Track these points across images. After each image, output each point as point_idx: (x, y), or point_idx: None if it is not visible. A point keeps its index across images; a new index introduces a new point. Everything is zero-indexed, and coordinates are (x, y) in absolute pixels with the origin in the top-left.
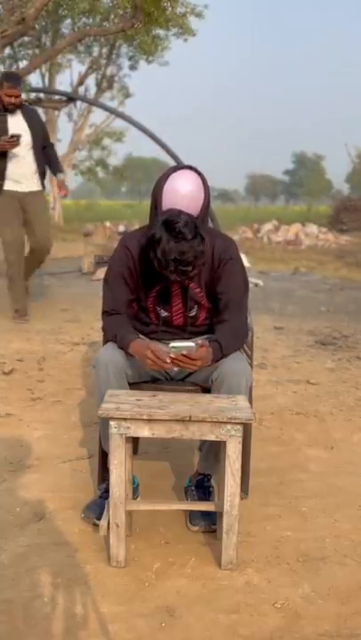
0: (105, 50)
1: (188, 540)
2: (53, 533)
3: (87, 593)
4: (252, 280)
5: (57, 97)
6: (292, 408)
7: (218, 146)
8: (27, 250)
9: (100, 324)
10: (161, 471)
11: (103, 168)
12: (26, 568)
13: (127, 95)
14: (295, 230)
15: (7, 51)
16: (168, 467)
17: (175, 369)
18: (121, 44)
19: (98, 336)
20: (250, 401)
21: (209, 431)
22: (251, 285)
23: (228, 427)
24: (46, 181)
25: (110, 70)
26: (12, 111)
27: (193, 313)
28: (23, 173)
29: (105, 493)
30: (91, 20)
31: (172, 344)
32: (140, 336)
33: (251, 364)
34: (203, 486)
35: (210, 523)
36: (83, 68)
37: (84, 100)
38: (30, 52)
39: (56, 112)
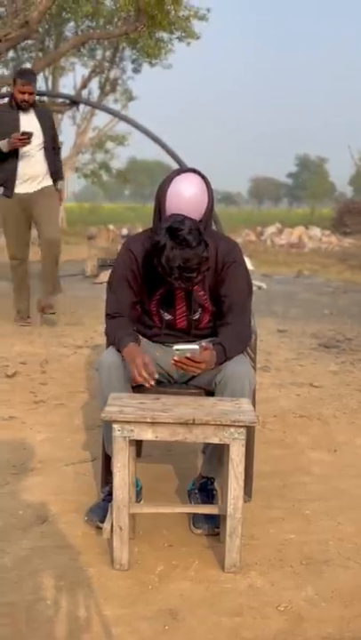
0: (108, 53)
1: (191, 543)
2: (56, 536)
3: (90, 596)
4: (255, 283)
5: (60, 100)
6: (295, 411)
7: (221, 149)
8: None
9: (103, 327)
10: (164, 474)
11: (106, 171)
12: (29, 571)
13: (130, 98)
14: (298, 233)
15: (10, 54)
16: (171, 469)
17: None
18: (124, 48)
19: (101, 339)
20: (253, 404)
21: (212, 434)
22: (254, 288)
23: (232, 430)
24: None
25: (114, 73)
26: (25, 109)
27: (196, 316)
28: (34, 174)
29: (108, 496)
30: (94, 23)
31: (176, 347)
32: (143, 339)
33: (254, 367)
34: (206, 489)
35: (213, 525)
36: (86, 72)
37: (87, 103)
38: (33, 55)
39: (59, 115)
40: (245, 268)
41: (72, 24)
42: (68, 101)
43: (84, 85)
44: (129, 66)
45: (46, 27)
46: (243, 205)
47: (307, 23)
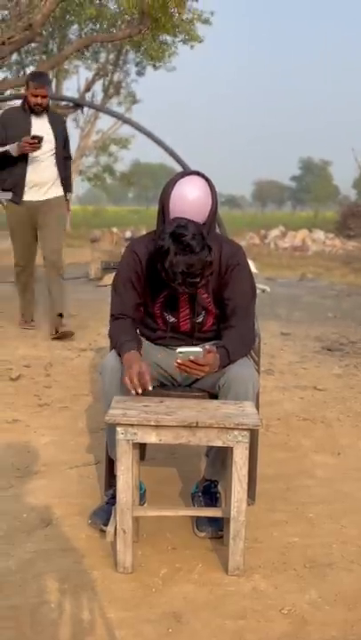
0: (112, 56)
1: (194, 546)
2: (60, 539)
3: (94, 599)
4: (259, 286)
5: (64, 103)
6: (298, 414)
7: (225, 152)
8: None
9: (106, 330)
10: (168, 477)
11: (110, 174)
12: (33, 574)
13: (134, 101)
14: (302, 236)
15: (14, 57)
16: (175, 472)
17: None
18: (128, 50)
19: (105, 342)
20: (257, 407)
21: (216, 437)
22: (258, 291)
23: (236, 433)
24: None
25: (117, 76)
26: (38, 113)
27: (200, 319)
28: (43, 180)
29: (112, 499)
30: (98, 26)
31: (180, 349)
32: (147, 342)
33: (258, 370)
34: (210, 492)
35: (217, 529)
36: (90, 74)
37: (90, 106)
38: (37, 58)
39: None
40: (249, 271)
41: (76, 27)
42: (71, 104)
43: (88, 88)
44: (133, 69)
45: (50, 29)
46: (246, 208)
47: (310, 25)
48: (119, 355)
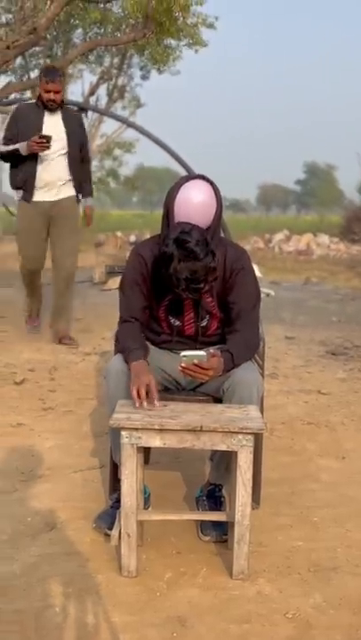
0: (116, 60)
1: (199, 550)
2: (65, 543)
3: (98, 603)
4: (263, 290)
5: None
6: (303, 418)
7: (229, 156)
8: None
9: (111, 334)
10: (172, 481)
11: (114, 178)
12: (37, 578)
13: (139, 105)
14: (307, 240)
15: (19, 61)
16: (179, 476)
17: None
18: (132, 55)
19: (109, 346)
20: (261, 411)
21: (220, 441)
22: (262, 295)
23: (240, 437)
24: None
25: (122, 80)
26: (52, 109)
27: (204, 323)
28: (52, 179)
29: (116, 503)
30: (102, 30)
31: (184, 353)
32: (151, 347)
33: (262, 374)
34: (214, 496)
35: (221, 533)
36: (94, 79)
37: (95, 110)
38: (42, 61)
39: None
40: (254, 275)
41: (80, 31)
42: (76, 108)
43: (92, 92)
44: (137, 73)
45: (54, 33)
46: (251, 212)
47: (316, 29)
48: (126, 361)
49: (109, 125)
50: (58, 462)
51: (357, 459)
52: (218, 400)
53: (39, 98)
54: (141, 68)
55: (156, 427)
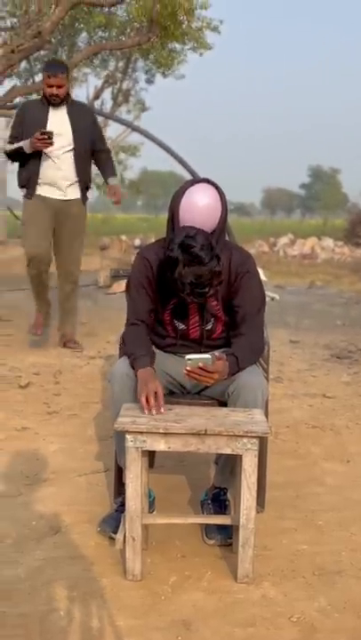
0: (121, 64)
1: (204, 554)
2: (69, 547)
3: (103, 606)
4: (268, 294)
5: None
6: (308, 422)
7: (234, 160)
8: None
9: (116, 338)
10: (177, 485)
11: (119, 182)
12: (42, 582)
13: (143, 109)
14: (311, 244)
15: (23, 64)
16: (184, 480)
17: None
18: (137, 59)
19: (114, 350)
20: (266, 414)
21: (225, 445)
22: (267, 299)
23: (245, 440)
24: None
25: (126, 84)
26: (56, 104)
27: (209, 326)
28: (57, 179)
29: (121, 507)
30: (107, 33)
31: (189, 356)
32: (156, 350)
33: (267, 378)
34: (219, 500)
35: (226, 536)
36: (99, 82)
37: (100, 113)
38: None
39: None
40: (259, 278)
41: (85, 35)
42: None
43: (97, 96)
44: (142, 76)
45: (59, 37)
46: (255, 216)
47: (320, 33)
48: (132, 367)
49: (114, 129)
50: (62, 466)
51: None
52: (223, 404)
53: (43, 93)
54: (146, 72)
55: (161, 430)
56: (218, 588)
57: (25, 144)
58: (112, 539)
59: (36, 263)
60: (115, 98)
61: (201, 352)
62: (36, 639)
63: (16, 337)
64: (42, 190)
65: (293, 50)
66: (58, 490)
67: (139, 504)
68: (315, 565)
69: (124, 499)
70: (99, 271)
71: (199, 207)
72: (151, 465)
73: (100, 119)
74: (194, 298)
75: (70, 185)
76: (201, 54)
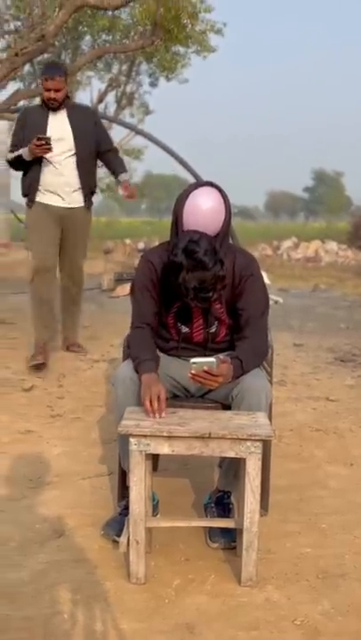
0: (125, 67)
1: (207, 557)
2: (73, 550)
3: (107, 610)
4: (272, 297)
5: None
6: (311, 425)
7: (237, 163)
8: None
9: (119, 341)
10: (181, 488)
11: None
12: (46, 585)
13: (147, 112)
14: (315, 247)
15: (27, 68)
16: (188, 483)
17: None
18: (141, 62)
19: (118, 353)
20: (270, 418)
21: (229, 448)
22: (271, 303)
23: (248, 443)
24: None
25: (130, 87)
26: (55, 108)
27: (213, 329)
28: (59, 185)
29: (125, 510)
30: (111, 37)
31: (193, 360)
32: (160, 354)
33: (270, 381)
34: (222, 503)
35: (230, 539)
36: (102, 86)
37: (103, 117)
38: None
39: None
40: (262, 282)
41: (88, 38)
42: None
43: (101, 99)
44: (145, 80)
45: (63, 40)
46: (259, 219)
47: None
48: (136, 371)
49: (118, 132)
50: (66, 469)
51: None
52: (226, 407)
53: (42, 98)
54: (150, 76)
55: (165, 434)
56: (221, 592)
57: (24, 151)
58: (116, 542)
59: (43, 273)
60: (118, 101)
61: (205, 355)
62: None
63: (20, 340)
64: (44, 198)
65: (295, 51)
66: (61, 493)
67: (142, 507)
68: (318, 568)
69: (127, 502)
70: (102, 274)
71: (203, 210)
72: (155, 468)
73: (103, 122)
74: (198, 302)
75: (73, 191)
76: (205, 57)
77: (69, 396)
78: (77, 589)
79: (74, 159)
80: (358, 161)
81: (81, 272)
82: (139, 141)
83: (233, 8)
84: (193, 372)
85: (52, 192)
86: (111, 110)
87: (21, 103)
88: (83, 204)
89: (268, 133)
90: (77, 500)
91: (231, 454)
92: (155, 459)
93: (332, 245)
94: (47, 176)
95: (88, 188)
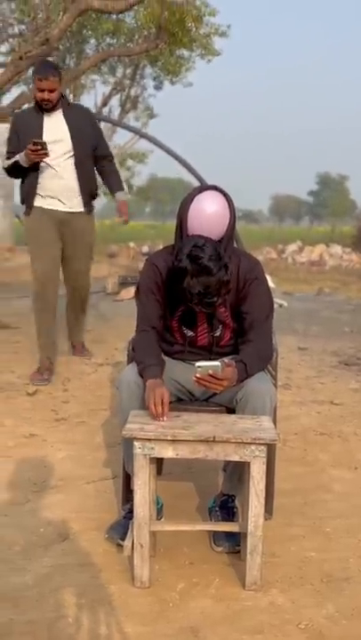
0: (129, 70)
1: (212, 561)
2: (77, 554)
3: (111, 613)
4: (276, 301)
5: None
6: (316, 428)
7: (242, 166)
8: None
9: (124, 345)
10: (185, 492)
11: (127, 189)
12: (50, 589)
13: (151, 116)
14: (319, 251)
15: (31, 71)
16: (192, 487)
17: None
18: (145, 65)
19: (122, 356)
20: (274, 421)
21: (233, 452)
22: (275, 306)
23: (253, 447)
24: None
25: (134, 91)
26: (49, 110)
27: (218, 333)
28: (60, 189)
29: (129, 514)
30: (115, 40)
31: (198, 364)
32: (165, 358)
33: (275, 385)
34: (227, 507)
35: (234, 543)
36: (107, 89)
37: (107, 120)
38: None
39: None
40: (267, 285)
41: (93, 41)
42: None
43: (105, 103)
44: (150, 83)
45: (67, 44)
46: (264, 223)
47: (326, 44)
48: (141, 376)
49: (122, 136)
50: (70, 473)
51: None
52: (231, 410)
53: (35, 99)
54: (154, 79)
55: (169, 437)
56: (226, 595)
57: (20, 157)
58: (120, 546)
59: (44, 287)
60: (123, 105)
61: (210, 359)
62: None
63: (24, 344)
64: (43, 203)
65: (296, 52)
66: (66, 497)
67: (147, 511)
68: (323, 572)
69: (132, 506)
70: (107, 278)
71: (207, 214)
72: (159, 472)
73: (107, 126)
74: (202, 307)
75: (74, 195)
76: (209, 60)
77: (74, 399)
78: (82, 593)
79: (72, 162)
80: None
81: (86, 277)
82: (143, 145)
83: (233, 8)
84: (198, 375)
85: (52, 197)
86: (115, 114)
87: (25, 106)
88: (84, 209)
89: (273, 137)
90: (82, 504)
91: (235, 458)
92: (159, 462)
93: (337, 249)
94: (47, 180)
95: (89, 191)
